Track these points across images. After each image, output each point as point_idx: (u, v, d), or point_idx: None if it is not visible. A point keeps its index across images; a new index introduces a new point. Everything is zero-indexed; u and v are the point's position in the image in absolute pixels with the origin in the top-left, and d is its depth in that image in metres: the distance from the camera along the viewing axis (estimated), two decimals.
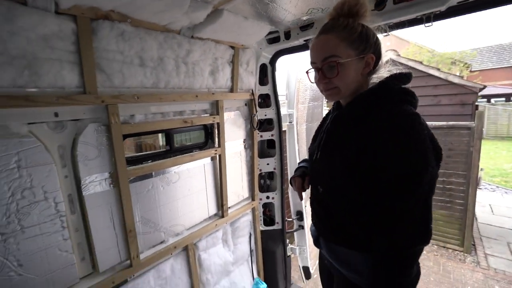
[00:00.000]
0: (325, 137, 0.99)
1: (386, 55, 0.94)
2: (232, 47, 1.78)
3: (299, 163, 1.33)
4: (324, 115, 1.21)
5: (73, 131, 1.19)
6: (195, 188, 1.80)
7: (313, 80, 0.95)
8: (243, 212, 2.19)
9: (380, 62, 0.91)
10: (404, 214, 0.77)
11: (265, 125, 2.31)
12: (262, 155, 2.35)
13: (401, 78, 0.87)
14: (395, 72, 0.89)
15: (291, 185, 1.25)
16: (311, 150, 1.12)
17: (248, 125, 2.16)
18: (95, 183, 1.28)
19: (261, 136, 2.27)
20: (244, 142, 2.17)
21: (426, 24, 1.45)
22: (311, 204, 1.09)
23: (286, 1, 1.36)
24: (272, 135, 2.28)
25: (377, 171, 0.78)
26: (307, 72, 0.99)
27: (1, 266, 1.04)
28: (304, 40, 1.80)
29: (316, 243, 1.10)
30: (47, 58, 1.02)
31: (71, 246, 1.24)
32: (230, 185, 2.04)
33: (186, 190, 1.73)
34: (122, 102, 1.27)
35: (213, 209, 1.96)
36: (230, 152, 2.02)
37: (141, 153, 1.61)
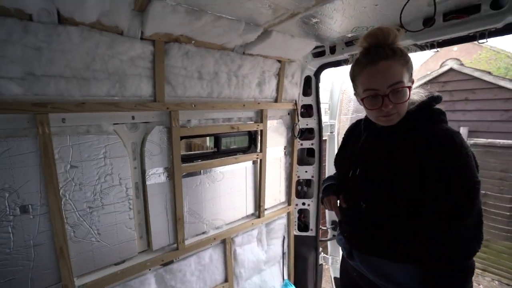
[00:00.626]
0: (366, 153, 1.02)
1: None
2: (279, 61, 1.93)
3: (324, 181, 1.34)
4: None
5: (143, 131, 1.48)
6: (236, 187, 1.99)
7: (370, 107, 0.93)
8: (278, 215, 2.31)
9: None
10: (463, 228, 0.82)
11: (306, 134, 2.40)
12: (301, 162, 2.44)
13: (437, 99, 0.95)
14: (428, 93, 0.97)
15: (323, 204, 1.25)
16: (343, 167, 1.14)
17: (289, 133, 2.28)
18: (156, 175, 1.55)
19: (301, 144, 2.37)
20: (284, 149, 2.30)
21: (480, 41, 1.40)
22: (349, 220, 1.11)
23: (331, 21, 1.46)
24: (312, 144, 2.36)
25: (438, 186, 0.82)
26: (363, 100, 0.95)
27: (87, 232, 1.35)
28: (349, 55, 1.86)
29: (349, 255, 1.12)
30: (132, 74, 1.31)
31: (134, 225, 1.52)
32: (269, 188, 2.18)
33: (228, 188, 1.93)
34: (182, 109, 1.51)
35: (250, 209, 2.12)
36: (271, 158, 2.17)
37: (193, 152, 1.85)
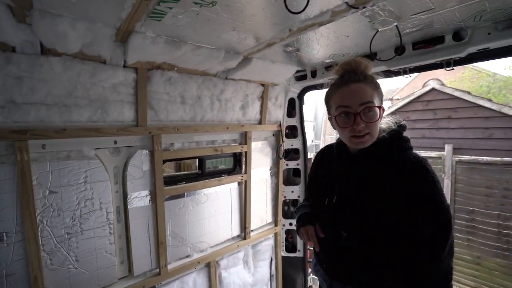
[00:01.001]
0: (341, 181, 1.02)
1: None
2: (262, 85, 2.00)
3: (297, 210, 1.27)
4: None
5: (125, 155, 1.49)
6: (221, 209, 1.98)
7: (342, 125, 0.94)
8: (265, 236, 2.29)
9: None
10: (443, 255, 0.84)
11: (291, 154, 2.44)
12: (287, 182, 2.46)
13: (404, 127, 1.01)
14: (396, 121, 1.02)
15: (299, 235, 1.17)
16: (318, 194, 1.11)
17: (274, 154, 2.31)
18: (138, 199, 1.55)
19: (286, 165, 2.40)
20: (270, 169, 2.32)
21: (447, 68, 1.49)
22: (327, 251, 1.07)
23: (308, 49, 1.54)
24: (297, 164, 2.39)
25: (412, 213, 0.85)
26: (335, 118, 0.96)
27: (64, 259, 1.32)
28: (329, 79, 1.94)
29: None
30: (114, 100, 1.34)
31: (114, 250, 1.50)
32: (254, 209, 2.18)
33: (213, 210, 1.92)
34: (164, 133, 1.54)
35: (236, 231, 2.11)
36: (256, 178, 2.19)
37: (177, 174, 1.86)
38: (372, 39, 1.33)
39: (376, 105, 0.91)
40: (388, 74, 1.81)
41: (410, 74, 1.69)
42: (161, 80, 1.46)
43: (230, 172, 2.07)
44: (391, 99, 14.07)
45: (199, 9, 0.94)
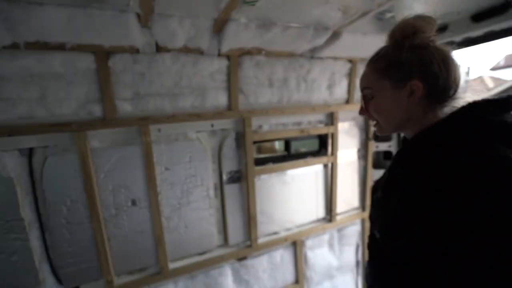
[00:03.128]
0: (387, 175, 0.84)
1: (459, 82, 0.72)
2: (350, 61, 1.85)
3: None
4: None
5: (220, 137, 1.64)
6: (307, 191, 1.99)
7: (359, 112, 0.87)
8: (351, 220, 2.20)
9: (448, 87, 0.71)
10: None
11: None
12: (377, 166, 2.26)
13: (495, 104, 0.62)
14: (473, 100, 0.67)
15: None
16: (374, 187, 0.97)
17: (363, 135, 2.15)
18: (232, 177, 1.70)
19: (376, 147, 2.20)
20: (358, 151, 2.18)
21: None
22: (368, 247, 0.93)
23: (411, 12, 1.32)
24: (390, 146, 2.16)
25: (455, 239, 0.55)
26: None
27: (177, 225, 1.59)
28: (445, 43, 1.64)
29: None
30: (211, 87, 1.48)
31: (213, 221, 1.71)
32: (341, 193, 2.11)
33: (299, 191, 1.95)
34: (254, 116, 1.62)
35: (321, 213, 2.09)
36: (343, 161, 2.09)
37: (265, 156, 1.94)
38: None
39: (375, 88, 0.74)
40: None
41: None
42: (250, 65, 1.52)
43: (315, 153, 2.03)
44: None
45: None
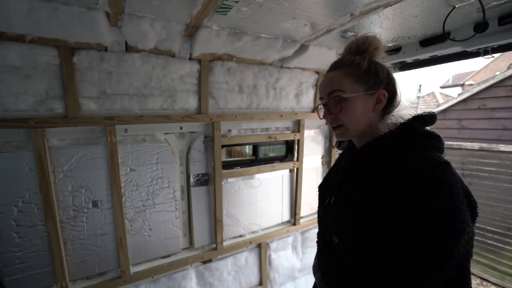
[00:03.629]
0: (339, 181, 0.89)
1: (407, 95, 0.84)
2: (317, 72, 1.97)
3: None
4: None
5: (189, 140, 1.65)
6: (273, 195, 2.06)
7: (321, 116, 0.88)
8: (314, 224, 2.31)
9: (396, 101, 0.82)
10: (438, 281, 0.63)
11: (344, 143, 2.36)
12: None
13: (425, 119, 0.77)
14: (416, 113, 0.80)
15: None
16: (322, 192, 1.03)
17: (327, 142, 2.28)
18: (199, 180, 1.71)
19: (339, 154, 2.34)
20: (322, 158, 2.31)
21: None
22: (322, 255, 0.99)
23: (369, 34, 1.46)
24: None
25: (401, 231, 0.67)
26: (317, 109, 0.94)
27: (141, 227, 1.56)
28: (391, 63, 1.81)
29: None
30: (181, 90, 1.49)
31: (179, 223, 1.70)
32: (305, 197, 2.21)
33: (265, 195, 2.01)
34: (223, 120, 1.65)
35: (286, 216, 2.17)
36: (308, 166, 2.20)
37: (233, 159, 1.98)
38: (446, 18, 1.20)
39: (348, 92, 0.77)
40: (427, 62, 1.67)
41: (493, 55, 1.48)
42: (221, 70, 1.56)
43: (282, 159, 2.12)
44: (461, 85, 12.30)
45: (262, 0, 0.98)
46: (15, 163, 1.23)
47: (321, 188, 1.05)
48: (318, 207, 1.02)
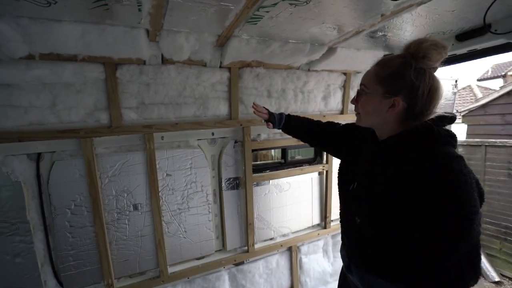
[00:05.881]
0: (364, 168, 0.98)
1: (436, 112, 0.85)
2: (345, 74, 1.95)
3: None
4: None
5: (220, 145, 1.71)
6: (303, 197, 2.06)
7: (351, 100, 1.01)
8: None
9: (416, 111, 0.83)
10: (454, 257, 0.76)
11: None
12: None
13: (446, 120, 0.85)
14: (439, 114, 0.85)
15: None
16: (344, 177, 1.10)
17: None
18: (230, 184, 1.76)
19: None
20: None
21: None
22: (345, 233, 1.10)
23: (400, 32, 1.42)
24: None
25: (424, 213, 0.77)
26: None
27: (177, 229, 1.64)
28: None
29: (348, 269, 1.10)
30: (213, 97, 1.56)
31: (212, 226, 1.76)
32: (335, 200, 2.17)
33: (295, 198, 2.02)
34: (253, 125, 1.69)
35: (316, 219, 2.16)
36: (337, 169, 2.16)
37: (262, 163, 2.02)
38: (487, 10, 1.14)
39: (369, 89, 0.87)
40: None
41: None
42: (250, 76, 1.60)
43: (311, 161, 2.11)
44: (503, 76, 11.26)
45: (293, 9, 1.00)
46: (69, 170, 1.36)
47: (343, 174, 1.13)
48: (340, 191, 1.12)
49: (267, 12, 1.02)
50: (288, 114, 1.45)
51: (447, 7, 1.15)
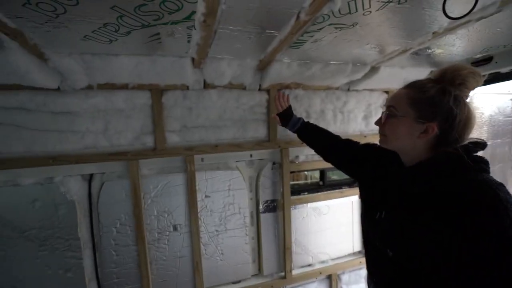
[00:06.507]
0: (391, 195, 0.90)
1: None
2: (386, 92, 1.86)
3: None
4: None
5: (258, 167, 1.70)
6: (343, 222, 1.94)
7: (375, 121, 0.94)
8: None
9: (452, 138, 0.79)
10: None
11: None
12: None
13: (479, 145, 0.80)
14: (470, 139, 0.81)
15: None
16: (369, 204, 1.01)
17: None
18: (268, 206, 1.72)
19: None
20: None
21: None
22: (374, 265, 1.01)
23: (452, 48, 1.33)
24: None
25: (473, 244, 0.69)
26: (383, 112, 0.95)
27: (214, 251, 1.63)
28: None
29: None
30: (252, 119, 1.57)
31: (248, 249, 1.72)
32: None
33: (334, 223, 1.91)
34: (291, 146, 1.66)
35: (357, 246, 2.01)
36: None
37: (298, 183, 1.95)
38: None
39: (400, 111, 0.82)
40: None
41: None
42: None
43: (351, 184, 2.00)
44: None
45: (338, 32, 0.98)
46: (116, 190, 1.43)
47: (367, 200, 1.06)
48: (364, 219, 1.04)
49: (311, 36, 1.01)
50: (308, 121, 1.43)
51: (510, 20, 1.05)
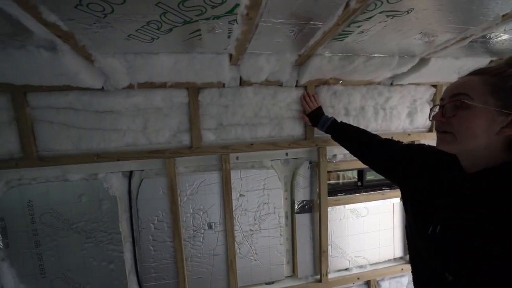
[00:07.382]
0: (449, 208, 0.76)
1: None
2: (434, 86, 1.70)
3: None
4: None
5: (294, 166, 1.64)
6: (383, 225, 1.82)
7: (431, 117, 0.78)
8: None
9: None
10: None
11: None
12: None
13: None
14: None
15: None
16: (419, 216, 0.86)
17: None
18: (303, 206, 1.66)
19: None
20: None
21: None
22: None
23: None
24: None
25: None
26: (431, 109, 0.81)
27: (248, 251, 1.61)
28: None
29: None
30: (288, 117, 1.52)
31: (283, 250, 1.67)
32: None
33: (373, 226, 1.80)
34: (328, 145, 1.59)
35: (399, 252, 1.88)
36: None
37: (335, 182, 1.86)
38: None
39: (476, 100, 0.65)
40: None
41: None
42: (327, 94, 1.52)
43: (391, 185, 1.87)
44: None
45: (389, 20, 0.90)
46: (154, 187, 1.47)
47: (416, 211, 0.88)
48: (410, 231, 0.89)
49: (358, 27, 0.93)
50: (341, 121, 1.41)
51: None
